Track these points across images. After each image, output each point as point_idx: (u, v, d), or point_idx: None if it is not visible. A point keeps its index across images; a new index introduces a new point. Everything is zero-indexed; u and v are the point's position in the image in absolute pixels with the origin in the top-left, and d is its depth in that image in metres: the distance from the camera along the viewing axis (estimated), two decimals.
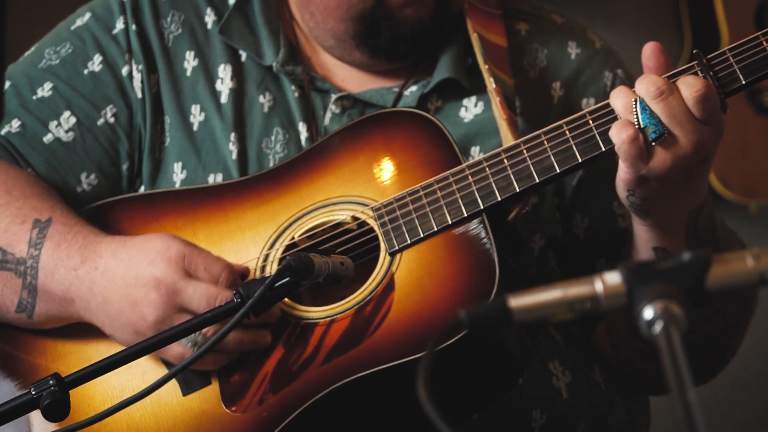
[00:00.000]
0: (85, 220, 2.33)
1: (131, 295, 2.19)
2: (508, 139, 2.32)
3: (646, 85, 2.12)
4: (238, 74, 2.47)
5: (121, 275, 2.20)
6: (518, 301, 1.54)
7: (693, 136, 2.11)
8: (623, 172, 2.15)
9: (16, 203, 2.32)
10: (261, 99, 2.45)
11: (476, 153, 2.41)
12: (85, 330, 2.29)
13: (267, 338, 2.21)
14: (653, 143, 2.11)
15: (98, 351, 2.28)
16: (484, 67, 2.40)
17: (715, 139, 2.15)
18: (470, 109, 2.45)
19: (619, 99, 2.14)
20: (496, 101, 2.37)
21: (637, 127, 2.11)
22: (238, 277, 2.24)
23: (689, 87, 2.12)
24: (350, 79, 2.49)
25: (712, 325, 2.34)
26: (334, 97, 2.44)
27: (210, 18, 2.50)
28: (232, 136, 2.43)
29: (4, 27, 1.52)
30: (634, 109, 2.12)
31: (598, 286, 1.53)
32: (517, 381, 2.26)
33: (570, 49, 2.52)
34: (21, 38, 2.60)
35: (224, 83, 2.46)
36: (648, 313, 1.48)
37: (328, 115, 2.44)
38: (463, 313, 1.55)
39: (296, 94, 2.45)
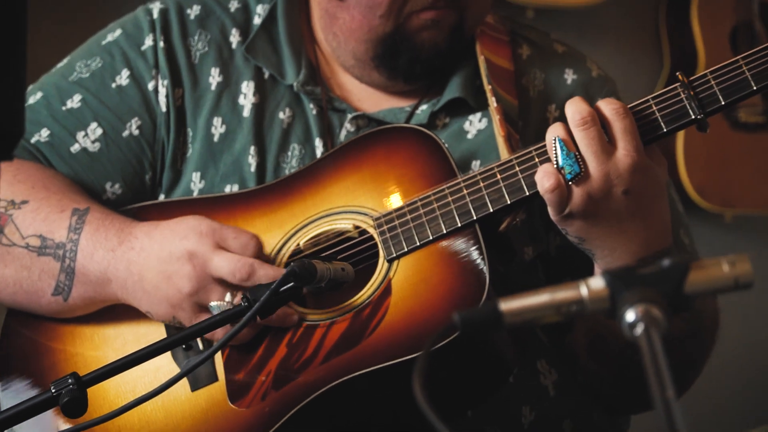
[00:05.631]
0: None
1: (166, 270, 2.26)
2: (504, 154, 2.38)
3: (572, 113, 2.19)
4: (261, 90, 2.54)
5: (156, 253, 2.28)
6: (508, 305, 1.59)
7: (604, 167, 2.15)
8: (551, 214, 2.21)
9: (54, 196, 2.39)
10: (281, 115, 2.53)
11: (476, 167, 2.46)
12: (119, 317, 2.37)
13: (294, 317, 2.27)
14: (569, 182, 2.17)
15: (126, 342, 2.36)
16: (487, 87, 2.47)
17: (631, 170, 2.16)
18: (475, 125, 2.51)
19: (548, 134, 2.21)
20: (495, 119, 2.43)
21: (555, 166, 2.17)
22: (262, 248, 2.31)
23: (610, 103, 2.18)
24: (366, 98, 2.56)
25: None
26: (350, 116, 2.52)
27: (235, 38, 2.58)
28: (252, 149, 2.50)
29: (24, 49, 1.50)
30: (554, 148, 2.19)
31: (583, 290, 1.58)
32: (506, 380, 2.30)
33: (567, 75, 2.58)
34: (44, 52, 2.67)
35: (247, 98, 2.54)
36: (630, 315, 1.53)
37: (344, 132, 2.51)
38: (456, 316, 1.59)
39: (314, 112, 2.52)
